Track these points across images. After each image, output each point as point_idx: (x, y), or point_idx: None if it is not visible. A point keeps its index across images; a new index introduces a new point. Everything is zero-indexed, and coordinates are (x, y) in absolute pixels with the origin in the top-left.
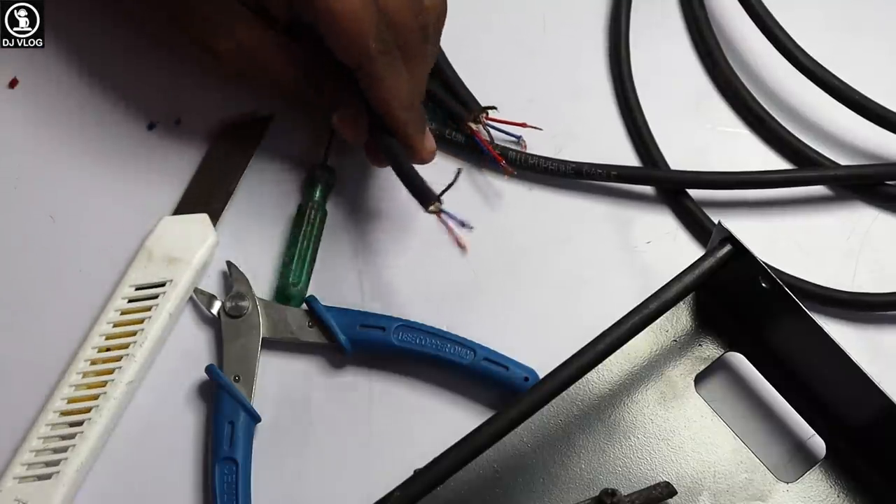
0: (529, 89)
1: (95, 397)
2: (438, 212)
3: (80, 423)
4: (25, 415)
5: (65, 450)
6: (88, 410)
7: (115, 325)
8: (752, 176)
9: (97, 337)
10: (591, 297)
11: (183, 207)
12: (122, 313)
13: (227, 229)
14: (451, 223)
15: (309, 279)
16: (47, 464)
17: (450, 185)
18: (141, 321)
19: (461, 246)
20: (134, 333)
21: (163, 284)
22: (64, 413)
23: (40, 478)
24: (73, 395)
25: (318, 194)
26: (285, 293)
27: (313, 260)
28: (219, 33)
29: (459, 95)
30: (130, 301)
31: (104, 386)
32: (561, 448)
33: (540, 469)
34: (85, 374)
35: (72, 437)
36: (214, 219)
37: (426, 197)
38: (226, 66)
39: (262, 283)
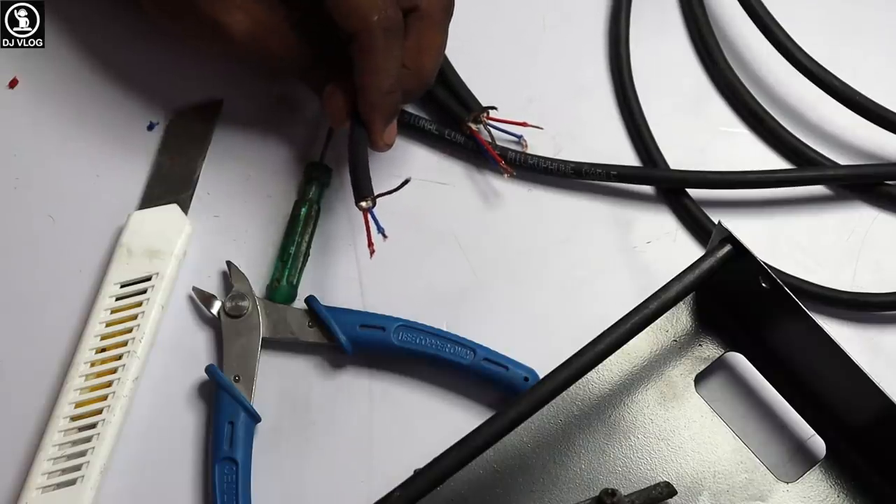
0: (529, 89)
1: (104, 398)
2: (367, 210)
3: (93, 426)
4: (29, 421)
5: (84, 454)
6: (100, 412)
7: (108, 325)
8: (751, 176)
9: (92, 338)
10: (591, 298)
11: (149, 200)
12: (113, 312)
13: (218, 225)
14: (372, 225)
15: (301, 276)
16: (66, 470)
17: (391, 191)
18: (135, 317)
19: (370, 250)
20: (130, 330)
21: (149, 278)
22: (75, 417)
23: (63, 485)
24: (80, 399)
25: (313, 192)
26: (279, 291)
27: (307, 257)
28: (230, 7)
29: (460, 95)
30: (119, 299)
31: (110, 385)
32: (561, 448)
33: (540, 469)
34: (87, 377)
35: (88, 440)
36: (184, 208)
37: (363, 192)
38: (232, 45)
39: (255, 281)
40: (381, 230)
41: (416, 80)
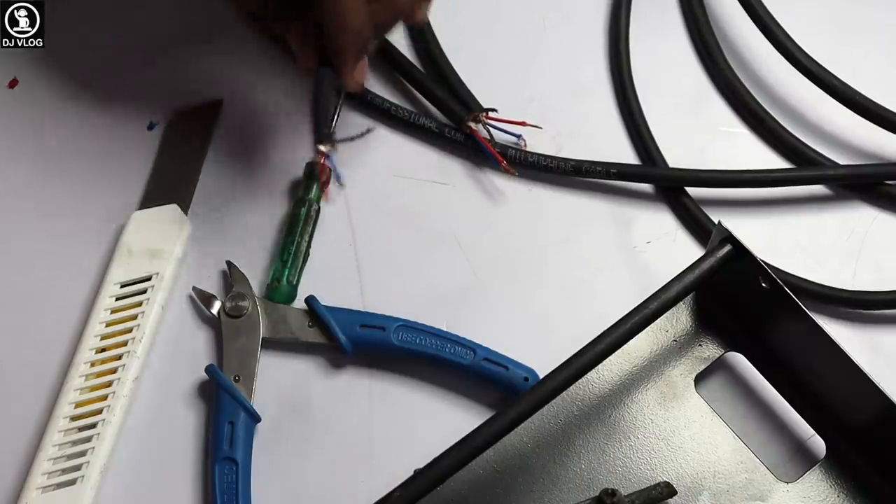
0: (530, 88)
1: (104, 398)
2: (324, 154)
3: (93, 426)
4: (29, 421)
5: (84, 454)
6: (100, 412)
7: (108, 325)
8: (751, 175)
9: (92, 338)
10: (591, 297)
11: (149, 200)
12: (113, 312)
13: (218, 225)
14: (329, 165)
15: (301, 276)
16: (66, 470)
17: (353, 137)
18: (135, 317)
19: (324, 193)
20: (130, 330)
21: (149, 279)
22: (75, 417)
23: (63, 485)
24: (80, 399)
25: (313, 192)
26: (279, 291)
27: (307, 257)
28: None
29: (460, 95)
30: (119, 299)
31: (110, 385)
32: (561, 448)
33: (540, 469)
34: (87, 377)
35: (88, 440)
36: (184, 208)
37: (325, 135)
38: None
39: (255, 281)
40: (338, 178)
41: (389, 12)
